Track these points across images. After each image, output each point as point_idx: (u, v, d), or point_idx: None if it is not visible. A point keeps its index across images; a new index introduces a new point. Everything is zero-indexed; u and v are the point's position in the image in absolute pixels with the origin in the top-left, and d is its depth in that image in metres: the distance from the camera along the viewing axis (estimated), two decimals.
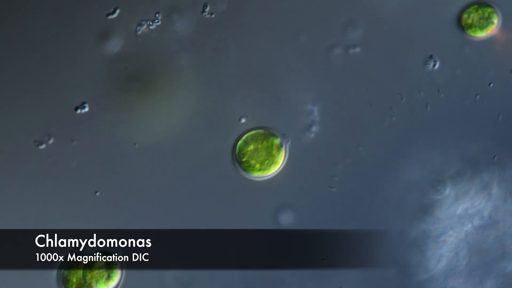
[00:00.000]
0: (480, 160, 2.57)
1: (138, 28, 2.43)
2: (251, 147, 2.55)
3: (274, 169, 2.56)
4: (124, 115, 2.55)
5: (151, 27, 2.36)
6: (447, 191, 2.57)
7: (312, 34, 2.60)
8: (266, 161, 2.56)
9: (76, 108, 2.53)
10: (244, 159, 2.55)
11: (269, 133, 2.56)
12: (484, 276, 2.55)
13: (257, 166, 2.56)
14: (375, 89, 2.59)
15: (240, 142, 2.55)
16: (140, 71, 2.46)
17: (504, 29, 2.57)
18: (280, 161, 2.56)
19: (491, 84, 2.58)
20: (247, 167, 2.56)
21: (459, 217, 2.56)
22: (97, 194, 2.53)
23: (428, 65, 2.58)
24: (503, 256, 2.55)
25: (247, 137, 2.56)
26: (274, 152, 2.55)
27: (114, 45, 2.47)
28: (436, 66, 2.58)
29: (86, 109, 2.54)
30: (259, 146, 2.56)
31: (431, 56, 2.57)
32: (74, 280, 2.51)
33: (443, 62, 2.58)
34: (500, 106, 2.57)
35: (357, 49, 2.58)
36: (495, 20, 2.56)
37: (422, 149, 2.58)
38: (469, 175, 2.57)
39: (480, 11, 2.55)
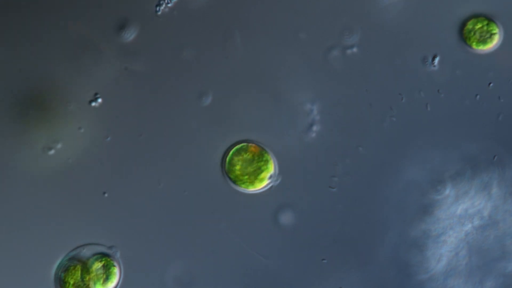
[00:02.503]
0: (480, 160, 2.58)
1: (158, 9, 2.43)
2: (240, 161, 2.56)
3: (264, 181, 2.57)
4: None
5: (169, 5, 2.35)
6: (447, 191, 2.57)
7: (313, 35, 2.60)
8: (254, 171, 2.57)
9: (90, 101, 2.53)
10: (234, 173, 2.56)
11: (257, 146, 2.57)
12: (484, 276, 2.56)
13: (245, 177, 2.56)
14: (375, 89, 2.59)
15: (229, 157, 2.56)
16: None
17: (503, 50, 2.59)
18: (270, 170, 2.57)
19: (491, 84, 2.59)
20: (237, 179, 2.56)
21: (459, 217, 2.57)
22: (106, 195, 2.53)
23: (427, 63, 2.59)
24: (503, 256, 2.56)
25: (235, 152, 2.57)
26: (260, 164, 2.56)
27: (130, 33, 2.47)
28: (435, 65, 2.59)
29: (100, 100, 2.54)
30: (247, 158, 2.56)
31: (434, 56, 2.58)
32: (72, 282, 2.49)
33: (444, 62, 2.59)
34: (500, 106, 2.58)
35: (358, 50, 2.59)
36: (495, 41, 2.58)
37: (422, 149, 2.58)
38: (469, 175, 2.58)
39: (486, 27, 2.56)
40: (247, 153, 2.55)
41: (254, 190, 2.56)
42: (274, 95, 2.58)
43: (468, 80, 2.59)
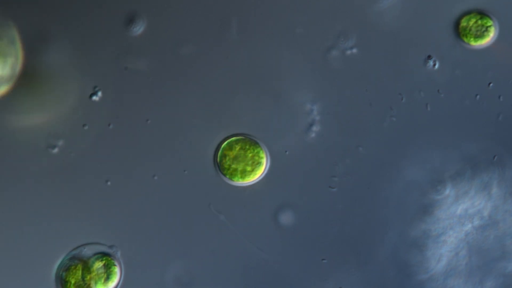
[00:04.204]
0: (480, 160, 2.57)
1: None
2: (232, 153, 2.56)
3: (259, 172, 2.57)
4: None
5: None
6: (447, 191, 2.57)
7: (313, 35, 2.60)
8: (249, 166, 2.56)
9: (91, 95, 2.53)
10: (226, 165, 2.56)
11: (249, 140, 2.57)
12: (484, 276, 2.56)
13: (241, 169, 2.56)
14: (375, 89, 2.59)
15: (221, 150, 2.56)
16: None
17: (500, 42, 2.57)
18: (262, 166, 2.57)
19: (491, 84, 2.58)
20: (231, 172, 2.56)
21: (459, 217, 2.57)
22: (109, 183, 2.53)
23: (428, 64, 2.58)
24: (503, 256, 2.56)
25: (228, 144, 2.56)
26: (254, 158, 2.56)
27: (138, 27, 2.47)
28: (436, 65, 2.58)
29: (100, 94, 2.54)
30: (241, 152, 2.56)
31: (429, 56, 2.57)
32: (73, 281, 2.50)
33: (443, 62, 2.59)
34: (500, 106, 2.58)
35: (357, 50, 2.58)
36: (492, 34, 2.57)
37: (422, 149, 2.58)
38: (469, 175, 2.57)
39: (480, 22, 2.55)
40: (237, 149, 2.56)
41: (249, 182, 2.56)
42: (274, 95, 2.58)
43: (468, 80, 2.58)
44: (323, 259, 2.56)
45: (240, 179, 2.55)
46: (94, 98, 2.53)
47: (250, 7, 2.59)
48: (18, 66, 2.47)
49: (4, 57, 2.42)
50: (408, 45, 2.60)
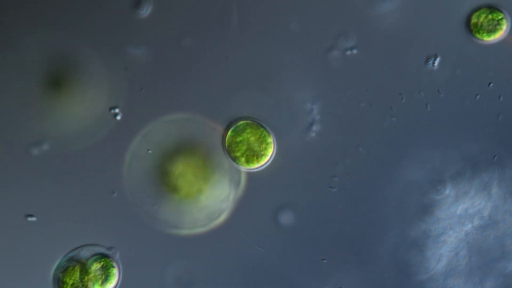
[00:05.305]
0: (480, 160, 2.58)
1: None
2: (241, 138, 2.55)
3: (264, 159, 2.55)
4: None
5: None
6: (447, 191, 2.58)
7: (314, 35, 2.60)
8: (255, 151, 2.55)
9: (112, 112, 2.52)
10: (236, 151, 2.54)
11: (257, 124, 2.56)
12: (484, 276, 2.56)
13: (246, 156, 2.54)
14: (375, 89, 2.59)
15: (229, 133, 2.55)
16: None
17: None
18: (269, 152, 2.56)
19: (491, 84, 2.59)
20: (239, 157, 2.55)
21: (459, 217, 2.57)
22: (115, 194, 2.52)
23: (428, 62, 2.59)
24: (503, 256, 2.57)
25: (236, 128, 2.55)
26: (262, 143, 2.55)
27: (145, 9, 2.46)
28: (436, 65, 2.59)
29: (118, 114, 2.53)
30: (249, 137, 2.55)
31: (435, 56, 2.58)
32: (70, 282, 2.48)
33: (444, 62, 2.59)
34: (500, 106, 2.59)
35: (358, 50, 2.58)
36: (504, 27, 2.57)
37: (422, 149, 2.58)
38: (469, 175, 2.58)
39: (490, 16, 2.55)
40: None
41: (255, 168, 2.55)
42: (274, 94, 2.58)
43: (468, 80, 2.59)
44: (323, 259, 2.55)
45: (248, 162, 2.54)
46: (118, 118, 2.53)
47: (250, 7, 2.59)
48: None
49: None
50: (408, 45, 2.60)
